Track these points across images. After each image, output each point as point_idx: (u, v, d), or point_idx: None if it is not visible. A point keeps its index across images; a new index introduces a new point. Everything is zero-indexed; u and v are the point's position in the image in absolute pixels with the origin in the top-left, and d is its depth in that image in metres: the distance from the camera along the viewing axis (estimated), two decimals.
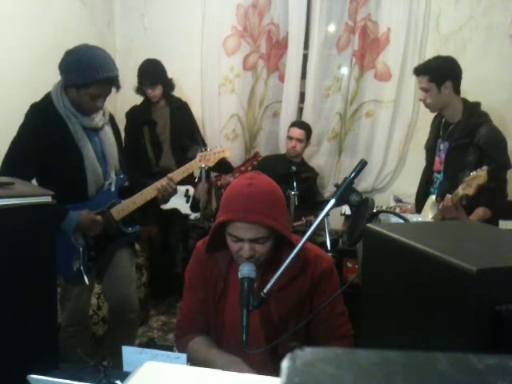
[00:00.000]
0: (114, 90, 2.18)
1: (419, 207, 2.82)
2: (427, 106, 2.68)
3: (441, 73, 2.58)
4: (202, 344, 1.58)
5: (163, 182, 2.34)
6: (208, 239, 1.55)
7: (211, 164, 2.64)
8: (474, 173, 2.22)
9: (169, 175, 2.38)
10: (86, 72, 2.03)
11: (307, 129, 3.80)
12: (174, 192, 2.40)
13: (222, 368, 1.40)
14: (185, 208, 3.45)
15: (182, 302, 1.69)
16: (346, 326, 1.58)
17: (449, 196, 2.34)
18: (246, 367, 1.41)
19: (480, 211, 2.46)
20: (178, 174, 2.42)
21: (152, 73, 3.62)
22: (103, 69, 2.04)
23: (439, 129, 2.76)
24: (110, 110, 2.42)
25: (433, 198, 2.64)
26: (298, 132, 3.75)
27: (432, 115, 2.93)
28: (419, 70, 2.64)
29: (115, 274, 2.43)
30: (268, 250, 1.48)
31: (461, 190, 2.26)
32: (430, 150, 2.81)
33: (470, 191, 2.20)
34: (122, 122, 3.76)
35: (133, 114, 3.77)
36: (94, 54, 2.07)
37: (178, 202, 3.32)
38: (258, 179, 1.46)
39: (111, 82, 2.10)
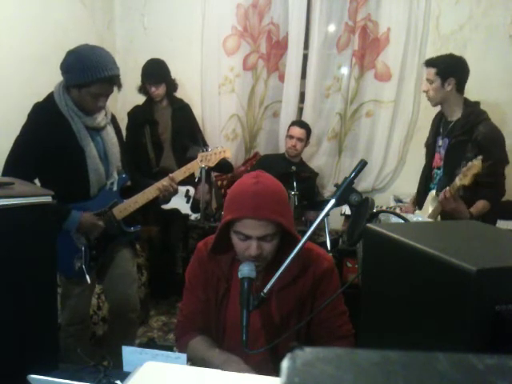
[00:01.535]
0: (115, 89, 2.19)
1: (420, 203, 2.87)
2: (429, 97, 2.77)
3: (448, 69, 2.67)
4: (201, 343, 1.58)
5: (164, 182, 2.35)
6: (214, 240, 1.55)
7: (212, 164, 2.65)
8: (470, 163, 2.30)
9: (170, 175, 2.38)
10: (87, 71, 2.03)
11: (307, 128, 3.80)
12: (175, 192, 2.40)
13: (221, 367, 1.40)
14: (185, 208, 3.45)
15: (182, 302, 1.69)
16: (347, 326, 1.58)
17: (447, 188, 2.41)
18: (245, 366, 1.41)
19: (479, 204, 2.54)
20: (180, 174, 2.43)
21: (156, 71, 3.62)
22: (104, 68, 2.05)
23: (439, 126, 2.84)
24: (111, 110, 2.42)
25: (433, 192, 2.70)
26: (298, 131, 3.75)
27: (432, 115, 3.00)
28: (429, 62, 2.74)
29: (116, 273, 2.43)
30: (274, 250, 1.49)
31: (458, 181, 2.34)
32: (430, 147, 2.89)
33: (466, 181, 2.29)
34: (122, 122, 3.75)
35: (135, 114, 3.77)
36: (94, 54, 2.08)
37: (179, 203, 3.32)
38: (264, 177, 1.48)
39: (112, 80, 2.11)
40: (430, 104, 2.82)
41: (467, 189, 2.40)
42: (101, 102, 2.15)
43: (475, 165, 2.27)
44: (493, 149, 2.54)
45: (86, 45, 2.13)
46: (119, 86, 2.17)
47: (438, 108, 2.94)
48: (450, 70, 2.68)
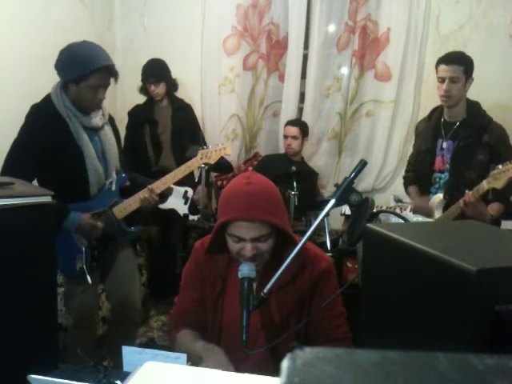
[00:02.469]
0: (111, 86, 2.19)
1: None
2: (449, 97, 2.61)
3: (471, 68, 2.61)
4: (187, 335, 1.59)
5: (145, 193, 2.34)
6: (210, 241, 1.55)
7: (212, 161, 2.64)
8: (500, 167, 2.24)
9: (149, 186, 2.36)
10: (83, 63, 2.05)
11: (302, 125, 3.81)
12: (156, 203, 2.40)
13: (202, 356, 1.41)
14: (183, 209, 3.44)
15: (178, 297, 1.70)
16: (344, 328, 1.57)
17: (469, 192, 2.35)
18: (225, 358, 1.41)
19: (495, 206, 2.52)
20: (160, 183, 2.40)
21: (156, 70, 3.63)
22: (100, 58, 2.08)
23: (439, 128, 2.74)
24: (110, 110, 2.43)
25: (440, 196, 2.64)
26: (292, 129, 3.77)
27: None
28: (454, 59, 2.59)
29: (118, 273, 2.43)
30: (270, 248, 1.49)
31: (486, 184, 2.28)
32: (430, 150, 2.78)
33: (500, 184, 2.23)
34: (121, 122, 3.77)
35: (135, 113, 3.78)
36: (87, 47, 2.11)
37: (177, 204, 3.31)
38: (255, 178, 1.47)
39: (109, 70, 2.13)
40: (446, 104, 2.66)
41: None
42: (100, 94, 2.16)
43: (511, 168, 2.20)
44: (503, 150, 2.52)
45: (75, 42, 2.15)
46: (116, 77, 2.18)
47: None
48: (472, 69, 2.60)
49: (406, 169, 3.16)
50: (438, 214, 2.61)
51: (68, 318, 2.35)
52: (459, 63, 2.57)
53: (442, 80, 2.60)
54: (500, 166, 2.24)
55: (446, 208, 2.57)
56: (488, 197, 2.38)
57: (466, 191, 2.37)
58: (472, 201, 2.33)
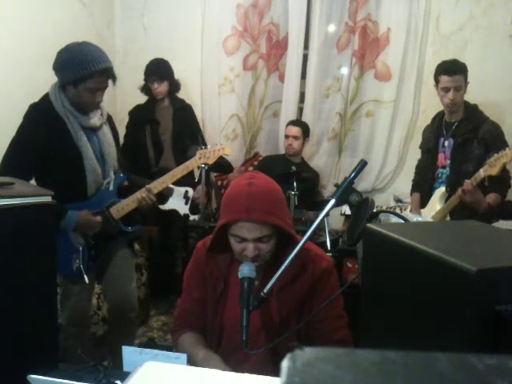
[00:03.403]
0: (111, 86, 2.19)
1: (424, 203, 2.96)
2: (454, 104, 2.76)
3: (467, 75, 2.75)
4: (189, 340, 1.59)
5: (142, 193, 2.33)
6: (210, 241, 1.55)
7: (211, 162, 2.64)
8: (496, 155, 2.40)
9: (147, 186, 2.34)
10: (81, 66, 2.04)
11: (303, 126, 3.82)
12: (154, 204, 2.38)
13: (201, 364, 1.41)
14: (184, 209, 3.44)
15: (180, 298, 1.70)
16: (345, 331, 1.56)
17: (468, 181, 2.50)
18: (223, 366, 1.41)
19: (493, 196, 2.66)
20: (158, 183, 2.39)
21: (161, 68, 3.63)
22: (98, 60, 2.07)
23: (441, 128, 2.90)
24: (110, 110, 2.43)
25: (442, 189, 2.80)
26: (293, 129, 3.77)
27: (432, 115, 3.04)
28: (456, 70, 2.73)
29: (115, 273, 2.43)
30: (272, 249, 1.49)
31: (482, 173, 2.45)
32: (432, 148, 2.96)
33: (494, 171, 2.40)
34: (122, 123, 3.77)
35: (136, 113, 3.77)
36: (85, 49, 2.10)
37: (177, 204, 3.31)
38: (258, 178, 1.47)
39: (107, 72, 2.12)
40: (452, 110, 2.81)
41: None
42: (98, 97, 2.15)
43: (506, 154, 2.34)
44: (498, 144, 2.62)
45: (74, 42, 2.14)
46: (114, 79, 2.17)
47: (438, 108, 2.97)
48: (467, 75, 2.75)
49: (414, 173, 3.32)
50: (439, 206, 2.74)
51: (62, 316, 2.34)
52: (460, 72, 2.71)
53: (446, 90, 2.73)
54: (496, 154, 2.40)
55: (447, 200, 2.72)
56: (484, 183, 2.52)
57: (465, 180, 2.51)
58: (470, 189, 2.48)
